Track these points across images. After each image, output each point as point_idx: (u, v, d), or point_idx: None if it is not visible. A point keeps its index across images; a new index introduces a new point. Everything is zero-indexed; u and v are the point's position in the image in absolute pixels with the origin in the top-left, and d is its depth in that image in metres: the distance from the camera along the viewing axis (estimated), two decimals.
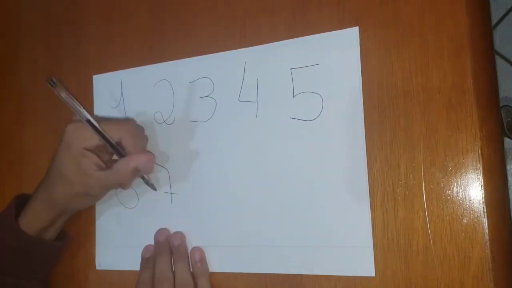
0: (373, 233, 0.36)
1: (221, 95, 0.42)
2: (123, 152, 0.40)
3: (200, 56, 0.44)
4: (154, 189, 0.43)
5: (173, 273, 0.41)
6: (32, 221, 0.42)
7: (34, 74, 0.55)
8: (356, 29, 0.37)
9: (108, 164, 0.41)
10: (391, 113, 0.36)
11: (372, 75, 0.37)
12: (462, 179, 0.34)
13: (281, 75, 0.40)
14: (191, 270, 0.41)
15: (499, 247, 0.33)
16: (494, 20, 1.03)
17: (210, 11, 0.44)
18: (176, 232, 0.43)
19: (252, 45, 0.41)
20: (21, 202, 0.43)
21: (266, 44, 0.41)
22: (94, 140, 0.40)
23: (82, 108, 0.38)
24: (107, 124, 0.40)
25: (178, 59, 0.45)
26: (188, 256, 0.42)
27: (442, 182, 0.34)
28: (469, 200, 0.33)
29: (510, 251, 0.33)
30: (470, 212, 0.33)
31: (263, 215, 0.39)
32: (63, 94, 0.37)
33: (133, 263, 0.44)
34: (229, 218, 0.41)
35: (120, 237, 0.46)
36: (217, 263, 0.41)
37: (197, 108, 0.43)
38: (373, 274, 0.35)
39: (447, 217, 0.34)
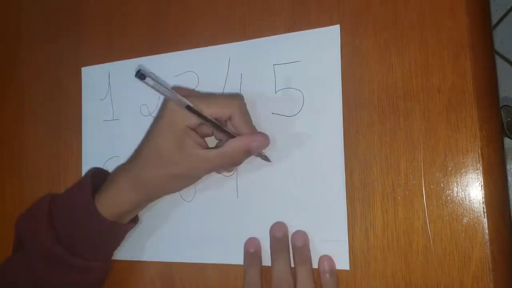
0: (351, 230, 0.36)
1: (205, 89, 0.43)
2: (233, 131, 0.37)
3: (186, 50, 0.44)
4: (268, 160, 0.40)
5: (294, 277, 0.37)
6: (112, 204, 0.38)
7: (35, 74, 0.55)
8: (337, 27, 0.38)
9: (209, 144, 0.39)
10: (391, 113, 0.36)
11: (372, 75, 0.37)
12: (462, 179, 0.34)
13: (264, 70, 0.40)
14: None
15: (499, 247, 0.33)
16: (494, 20, 1.03)
17: (210, 12, 0.44)
18: (298, 232, 0.38)
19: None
20: (97, 180, 0.40)
21: (250, 40, 0.41)
22: (195, 119, 0.36)
23: (179, 95, 0.35)
24: (215, 101, 0.37)
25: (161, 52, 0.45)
26: (311, 260, 0.38)
27: (442, 182, 0.34)
28: (469, 200, 0.33)
29: (510, 251, 0.33)
30: (470, 212, 0.33)
31: (241, 208, 0.40)
32: (154, 84, 0.33)
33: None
34: (210, 211, 0.42)
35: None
36: (202, 255, 0.42)
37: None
38: (347, 267, 0.36)
39: (447, 217, 0.34)
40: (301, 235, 0.38)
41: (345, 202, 0.37)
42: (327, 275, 0.36)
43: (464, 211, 0.33)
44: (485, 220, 0.33)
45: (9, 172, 0.55)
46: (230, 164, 0.38)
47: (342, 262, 0.36)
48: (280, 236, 0.38)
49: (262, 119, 0.40)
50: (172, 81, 0.45)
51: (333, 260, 0.37)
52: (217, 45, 0.43)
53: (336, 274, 0.37)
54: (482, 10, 0.35)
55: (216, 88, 0.42)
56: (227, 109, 0.36)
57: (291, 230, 0.38)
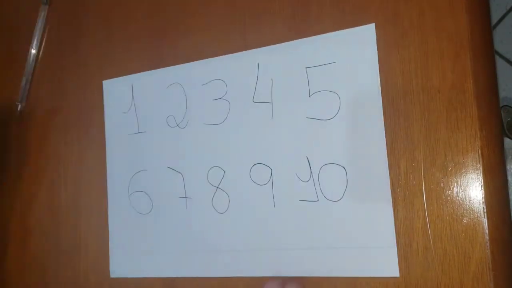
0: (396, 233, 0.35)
1: (234, 97, 0.42)
2: None
3: (213, 58, 0.43)
4: None
5: None
6: None
7: (35, 74, 0.55)
8: (372, 26, 0.37)
9: None
10: (391, 113, 0.36)
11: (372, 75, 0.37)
12: (462, 179, 0.34)
13: (296, 74, 0.39)
14: None
15: (499, 247, 0.33)
16: (494, 20, 1.03)
17: (211, 13, 0.44)
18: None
19: (256, 45, 0.41)
20: None
21: (280, 44, 0.40)
22: None
23: None
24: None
25: (184, 61, 0.44)
26: None
27: (442, 182, 0.34)
28: (469, 200, 0.33)
29: (510, 251, 0.33)
30: (470, 212, 0.33)
31: (279, 218, 0.39)
32: None
33: (148, 270, 0.44)
34: (245, 222, 0.40)
35: (134, 243, 0.45)
36: (231, 268, 0.40)
37: (210, 111, 0.42)
38: (397, 274, 0.34)
39: (447, 217, 0.34)
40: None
41: (392, 207, 0.35)
42: None
43: (464, 211, 0.33)
44: (485, 220, 0.33)
45: (9, 172, 0.55)
46: None
47: (391, 269, 0.35)
48: None
49: (296, 125, 0.39)
50: (199, 90, 0.43)
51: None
52: (245, 50, 0.42)
53: None
54: (482, 10, 0.35)
55: (246, 96, 0.41)
56: None
57: (331, 240, 0.36)
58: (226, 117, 0.42)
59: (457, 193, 0.34)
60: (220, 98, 0.42)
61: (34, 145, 0.54)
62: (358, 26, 0.37)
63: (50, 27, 0.55)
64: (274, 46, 0.40)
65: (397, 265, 0.34)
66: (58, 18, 0.54)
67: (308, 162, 0.38)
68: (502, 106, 0.97)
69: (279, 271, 0.38)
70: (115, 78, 0.48)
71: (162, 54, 0.46)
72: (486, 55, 0.35)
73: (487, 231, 0.33)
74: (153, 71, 0.46)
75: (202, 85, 0.43)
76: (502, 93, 0.99)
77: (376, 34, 0.36)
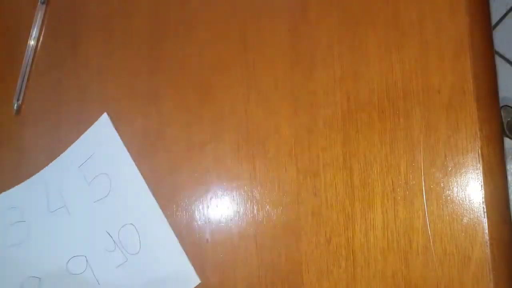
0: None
1: (32, 216, 0.48)
2: None
3: (8, 191, 0.51)
4: None
5: None
6: None
7: (32, 73, 0.55)
8: (105, 116, 0.46)
9: None
10: (391, 113, 0.36)
11: (372, 75, 0.37)
12: (462, 179, 0.34)
13: (74, 174, 0.47)
14: None
15: (499, 247, 0.33)
16: (494, 20, 1.03)
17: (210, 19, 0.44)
18: None
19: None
20: None
21: (55, 160, 0.49)
22: None
23: None
24: None
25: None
26: None
27: (442, 182, 0.34)
28: (469, 200, 0.33)
29: (510, 251, 0.33)
30: (470, 212, 0.33)
31: None
32: None
33: None
34: None
35: None
36: None
37: (11, 234, 0.48)
38: None
39: (447, 217, 0.34)
40: None
41: (183, 252, 0.42)
42: None
43: (464, 211, 0.33)
44: (485, 220, 0.33)
45: (9, 172, 0.55)
46: None
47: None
48: None
49: (89, 210, 0.46)
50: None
51: None
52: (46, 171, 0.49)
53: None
54: (482, 10, 0.35)
55: (43, 209, 0.48)
56: None
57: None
58: (27, 235, 0.48)
59: (457, 193, 0.34)
60: (18, 222, 0.49)
61: (31, 144, 0.54)
62: (358, 25, 0.37)
63: (47, 26, 0.55)
64: (52, 163, 0.49)
65: None
66: (55, 18, 0.54)
67: (109, 234, 0.45)
68: (502, 106, 0.97)
69: None
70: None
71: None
72: (486, 55, 0.35)
73: (487, 231, 0.33)
74: None
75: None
76: (502, 93, 0.99)
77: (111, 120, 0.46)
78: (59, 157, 0.48)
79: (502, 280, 0.32)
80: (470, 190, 0.33)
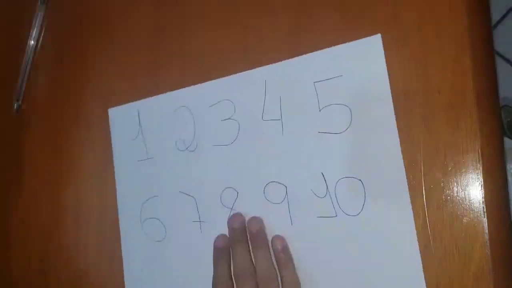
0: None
1: (243, 116, 0.41)
2: None
3: (219, 79, 0.42)
4: None
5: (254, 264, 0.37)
6: None
7: (32, 73, 0.55)
8: (378, 37, 0.36)
9: None
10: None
11: None
12: (462, 179, 0.34)
13: (304, 90, 0.38)
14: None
15: (499, 247, 0.33)
16: (494, 20, 1.03)
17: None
18: (253, 218, 0.39)
19: (260, 63, 0.41)
20: None
21: (286, 61, 0.39)
22: None
23: None
24: None
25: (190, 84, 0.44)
26: (268, 244, 0.38)
27: (442, 182, 0.34)
28: (469, 200, 0.33)
29: (510, 251, 0.33)
30: (470, 212, 0.33)
31: (297, 236, 0.38)
32: None
33: None
34: None
35: (149, 272, 0.44)
36: None
37: (219, 132, 0.42)
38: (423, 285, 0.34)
39: (447, 217, 0.34)
40: (255, 221, 0.38)
41: (412, 216, 0.34)
42: (281, 254, 0.37)
43: (464, 211, 0.33)
44: (485, 220, 0.33)
45: (9, 172, 0.55)
46: None
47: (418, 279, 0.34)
48: (237, 227, 0.39)
49: (308, 140, 0.38)
50: (207, 112, 0.43)
51: (284, 239, 0.37)
52: (251, 69, 0.41)
53: (290, 251, 0.37)
54: (482, 10, 0.35)
55: (255, 114, 0.40)
56: None
57: (352, 256, 0.36)
58: (236, 137, 0.41)
59: (457, 193, 0.34)
60: (228, 119, 0.41)
61: (32, 144, 0.54)
62: (363, 37, 0.37)
63: (47, 26, 0.55)
64: (280, 63, 0.40)
65: (425, 284, 0.33)
66: (55, 18, 0.54)
67: (324, 177, 0.37)
68: (502, 106, 0.97)
69: None
70: (120, 106, 0.48)
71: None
72: (486, 55, 0.35)
73: (487, 231, 0.33)
74: (158, 96, 0.45)
75: (209, 106, 0.42)
76: (502, 93, 0.99)
77: (382, 43, 0.36)
78: (292, 58, 0.39)
79: (502, 280, 0.32)
80: (470, 190, 0.33)
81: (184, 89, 0.44)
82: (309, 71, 0.38)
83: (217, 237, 0.40)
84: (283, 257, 0.37)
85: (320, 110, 0.38)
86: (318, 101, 0.38)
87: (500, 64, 1.02)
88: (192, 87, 0.44)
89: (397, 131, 0.35)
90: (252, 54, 0.41)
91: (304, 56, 0.39)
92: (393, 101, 0.36)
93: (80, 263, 0.49)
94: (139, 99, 0.47)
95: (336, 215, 0.36)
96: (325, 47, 0.38)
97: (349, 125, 0.37)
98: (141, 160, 0.46)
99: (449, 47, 0.34)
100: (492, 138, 0.34)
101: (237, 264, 0.37)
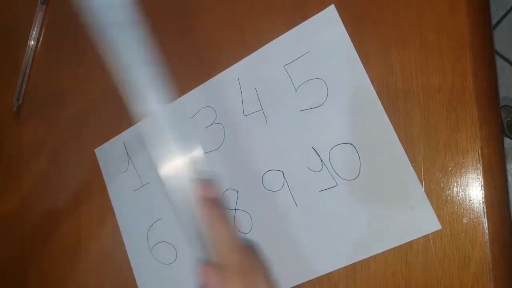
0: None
1: (225, 118, 0.42)
2: None
3: (192, 91, 0.43)
4: None
5: None
6: None
7: (31, 73, 0.55)
8: (332, 7, 0.38)
9: None
10: (391, 113, 0.36)
11: (372, 75, 0.37)
12: (462, 179, 0.34)
13: (277, 75, 0.40)
14: None
15: (499, 247, 0.33)
16: (494, 20, 1.03)
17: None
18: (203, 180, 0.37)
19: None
20: None
21: (252, 54, 0.41)
22: None
23: None
24: None
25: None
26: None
27: (442, 182, 0.34)
28: (469, 200, 0.33)
29: (510, 251, 0.33)
30: (470, 212, 0.33)
31: (304, 216, 0.38)
32: None
33: None
34: (272, 234, 0.39)
35: None
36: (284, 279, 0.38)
37: (206, 139, 0.42)
38: (439, 226, 0.34)
39: (447, 217, 0.34)
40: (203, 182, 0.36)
41: (411, 166, 0.35)
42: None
43: (464, 211, 0.33)
44: (485, 220, 0.33)
45: (9, 172, 0.55)
46: None
47: (432, 223, 0.34)
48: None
49: (292, 120, 0.39)
50: (189, 123, 0.43)
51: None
52: (222, 71, 0.42)
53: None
54: (482, 10, 0.35)
55: (236, 112, 0.41)
56: None
57: (362, 219, 0.36)
58: (223, 140, 0.42)
59: (457, 193, 0.34)
60: (212, 124, 0.42)
61: (31, 144, 0.54)
62: (358, 25, 0.37)
63: (47, 27, 0.55)
64: (247, 57, 0.41)
65: (436, 218, 0.34)
66: (55, 18, 0.54)
67: (316, 151, 0.38)
68: (502, 106, 0.97)
69: (319, 270, 0.37)
70: (106, 143, 0.48)
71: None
72: (486, 55, 0.35)
73: (487, 231, 0.33)
74: (139, 123, 0.44)
75: (190, 118, 0.43)
76: (502, 93, 0.99)
77: (338, 14, 0.37)
78: (258, 50, 0.40)
79: (502, 280, 0.32)
80: (470, 190, 0.33)
81: (161, 109, 0.44)
82: (277, 57, 0.40)
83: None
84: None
85: (296, 90, 0.39)
86: (292, 82, 0.39)
87: (500, 64, 1.02)
88: (169, 105, 0.44)
89: (373, 88, 0.36)
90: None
91: (267, 44, 0.40)
92: (393, 101, 0.36)
93: (81, 267, 0.49)
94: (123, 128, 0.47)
95: (337, 184, 0.37)
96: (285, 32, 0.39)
97: (327, 96, 0.37)
98: (137, 189, 0.46)
99: (449, 47, 0.34)
100: (492, 138, 0.34)
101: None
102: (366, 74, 0.36)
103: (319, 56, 0.38)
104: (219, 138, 0.42)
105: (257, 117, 0.40)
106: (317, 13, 0.38)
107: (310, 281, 0.37)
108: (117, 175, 0.47)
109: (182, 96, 0.43)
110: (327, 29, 0.38)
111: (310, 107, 0.38)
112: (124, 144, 0.46)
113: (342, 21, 0.38)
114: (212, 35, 0.43)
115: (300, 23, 0.39)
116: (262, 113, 0.40)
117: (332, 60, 0.37)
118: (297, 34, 0.39)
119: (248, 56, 0.41)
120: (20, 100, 0.55)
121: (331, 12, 0.37)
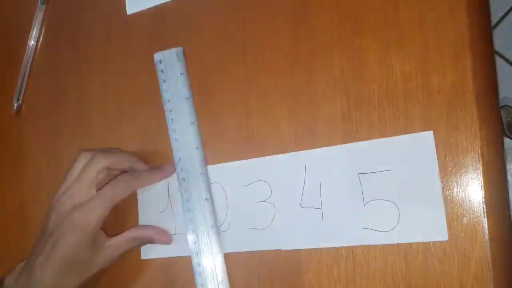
0: None
1: (280, 200, 0.39)
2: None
3: (254, 159, 0.40)
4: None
5: None
6: None
7: (32, 73, 0.55)
8: (430, 133, 0.34)
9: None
10: (391, 113, 0.36)
11: (372, 75, 0.37)
12: (462, 179, 0.34)
13: (348, 180, 0.36)
14: None
15: (499, 247, 0.33)
16: (494, 20, 1.03)
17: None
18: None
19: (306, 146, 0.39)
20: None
21: (329, 147, 0.37)
22: (105, 212, 0.39)
23: None
24: (116, 153, 0.42)
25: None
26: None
27: (442, 182, 0.34)
28: (469, 200, 0.33)
29: (510, 251, 0.33)
30: (470, 212, 0.33)
31: None
32: None
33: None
34: None
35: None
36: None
37: (254, 214, 0.40)
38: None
39: (447, 217, 0.34)
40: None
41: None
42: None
43: (464, 211, 0.33)
44: (485, 220, 0.33)
45: (9, 172, 0.55)
46: (141, 243, 0.43)
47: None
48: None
49: (351, 234, 0.36)
50: (241, 191, 0.41)
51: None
52: (291, 152, 0.39)
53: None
54: (482, 10, 0.35)
55: (293, 199, 0.38)
56: (127, 161, 0.42)
57: None
58: (272, 221, 0.39)
59: (457, 193, 0.34)
60: (264, 201, 0.39)
61: (32, 144, 0.54)
62: (358, 25, 0.37)
63: (47, 27, 0.55)
64: (322, 149, 0.38)
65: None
66: (55, 18, 0.54)
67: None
68: (502, 106, 0.97)
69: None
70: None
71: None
72: (486, 55, 0.35)
73: (487, 231, 0.33)
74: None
75: (243, 186, 0.40)
76: (502, 93, 0.99)
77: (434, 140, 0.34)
78: (336, 146, 0.37)
79: (502, 280, 0.32)
80: (470, 190, 0.33)
81: (216, 165, 0.42)
82: (354, 161, 0.36)
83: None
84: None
85: (364, 204, 0.36)
86: (363, 194, 0.36)
87: (500, 64, 1.02)
88: (225, 164, 0.42)
89: (446, 232, 0.33)
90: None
91: (349, 144, 0.37)
92: (393, 101, 0.36)
93: None
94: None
95: None
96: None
97: (396, 224, 0.35)
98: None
99: (449, 47, 0.34)
100: (492, 138, 0.34)
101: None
102: (445, 219, 0.33)
103: (400, 179, 0.35)
104: (268, 218, 0.39)
105: (314, 214, 0.37)
106: (410, 131, 0.35)
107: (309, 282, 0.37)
108: (155, 214, 0.45)
109: (241, 161, 0.41)
110: (418, 154, 0.34)
111: (375, 229, 0.35)
112: (168, 184, 0.44)
113: (343, 20, 0.38)
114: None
115: (390, 134, 0.36)
116: (320, 213, 0.37)
117: (412, 188, 0.35)
118: (385, 146, 0.35)
119: (323, 148, 0.38)
120: (20, 100, 0.55)
121: (427, 138, 0.34)
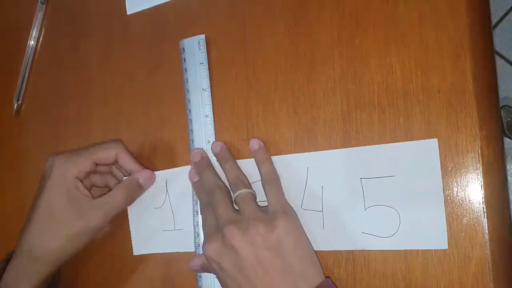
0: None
1: None
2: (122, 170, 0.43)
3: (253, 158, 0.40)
4: None
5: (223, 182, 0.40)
6: (14, 286, 0.38)
7: (32, 73, 0.55)
8: (435, 141, 0.34)
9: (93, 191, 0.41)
10: (391, 113, 0.36)
11: (372, 75, 0.37)
12: (462, 179, 0.34)
13: (350, 184, 0.36)
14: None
15: (499, 247, 0.33)
16: (494, 20, 1.03)
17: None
18: (213, 142, 0.41)
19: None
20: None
21: (332, 150, 0.37)
22: (84, 166, 0.39)
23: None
24: (99, 146, 0.41)
25: None
26: (232, 157, 0.40)
27: (442, 182, 0.34)
28: (469, 200, 0.33)
29: (510, 251, 0.33)
30: (470, 212, 0.33)
31: None
32: None
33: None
34: None
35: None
36: None
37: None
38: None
39: (447, 217, 0.34)
40: (217, 143, 0.41)
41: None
42: (259, 151, 0.39)
43: (464, 211, 0.33)
44: (485, 220, 0.33)
45: (9, 172, 0.55)
46: (122, 205, 0.41)
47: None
48: (198, 160, 0.41)
49: (351, 239, 0.36)
50: None
51: (260, 140, 0.40)
52: (294, 153, 0.39)
53: (266, 149, 0.39)
54: (482, 10, 0.35)
55: (294, 201, 0.38)
56: (112, 150, 0.41)
57: None
58: None
59: (457, 193, 0.34)
60: (265, 201, 0.39)
61: (32, 144, 0.54)
62: (357, 25, 0.37)
63: (47, 27, 0.55)
64: (325, 152, 0.38)
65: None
66: (55, 18, 0.54)
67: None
68: (502, 106, 0.97)
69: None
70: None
71: None
72: (486, 55, 0.35)
73: (487, 231, 0.33)
74: (186, 167, 0.43)
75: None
76: (502, 93, 1.00)
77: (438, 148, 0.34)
78: (339, 149, 0.37)
79: (502, 280, 0.32)
80: (470, 190, 0.33)
81: (217, 165, 0.42)
82: (357, 166, 0.36)
83: (190, 172, 0.42)
84: (261, 154, 0.39)
85: (365, 209, 0.36)
86: (364, 199, 0.36)
87: (500, 64, 1.02)
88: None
89: (447, 241, 0.33)
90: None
91: (352, 148, 0.37)
92: (393, 101, 0.36)
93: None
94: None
95: None
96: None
97: (397, 230, 0.35)
98: (166, 231, 0.44)
99: (449, 47, 0.34)
100: (492, 138, 0.34)
101: (206, 184, 0.39)
102: (445, 226, 0.33)
103: (402, 185, 0.35)
104: None
105: (315, 217, 0.37)
106: (414, 138, 0.35)
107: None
108: (149, 209, 0.45)
109: (245, 159, 0.41)
110: (422, 161, 0.34)
111: (375, 234, 0.35)
112: (166, 180, 0.44)
113: (343, 20, 0.38)
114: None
115: (393, 140, 0.36)
116: (321, 216, 0.37)
117: (415, 195, 0.34)
118: (388, 152, 0.35)
119: (325, 151, 0.38)
120: (20, 100, 0.55)
121: (432, 145, 0.34)
